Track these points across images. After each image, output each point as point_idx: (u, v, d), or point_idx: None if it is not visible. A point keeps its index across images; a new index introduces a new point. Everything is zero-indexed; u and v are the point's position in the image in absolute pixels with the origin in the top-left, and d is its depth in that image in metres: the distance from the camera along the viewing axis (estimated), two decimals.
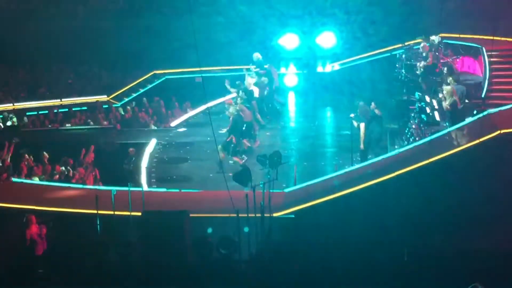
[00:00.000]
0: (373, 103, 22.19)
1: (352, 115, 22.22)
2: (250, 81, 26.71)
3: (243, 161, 22.79)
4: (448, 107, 21.76)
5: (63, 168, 22.37)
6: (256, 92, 26.51)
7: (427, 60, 25.40)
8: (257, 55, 28.15)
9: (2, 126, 28.10)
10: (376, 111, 22.15)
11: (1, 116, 28.82)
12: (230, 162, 22.96)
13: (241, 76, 27.13)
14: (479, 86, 25.53)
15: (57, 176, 21.98)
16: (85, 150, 23.38)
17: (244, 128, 23.62)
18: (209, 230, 16.24)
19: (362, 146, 21.92)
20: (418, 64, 25.71)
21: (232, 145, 23.08)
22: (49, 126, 28.95)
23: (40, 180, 21.52)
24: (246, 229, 16.17)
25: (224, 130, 24.22)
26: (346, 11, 32.58)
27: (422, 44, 26.28)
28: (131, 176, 22.41)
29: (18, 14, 33.72)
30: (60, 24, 33.15)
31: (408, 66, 26.43)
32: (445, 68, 23.84)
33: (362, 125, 21.89)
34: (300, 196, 18.48)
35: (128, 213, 16.94)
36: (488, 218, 17.14)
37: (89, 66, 34.84)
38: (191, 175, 22.74)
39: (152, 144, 25.03)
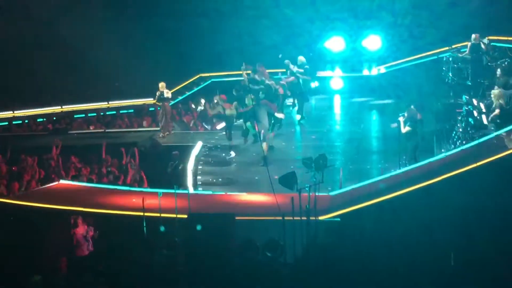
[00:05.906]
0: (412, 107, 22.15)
1: (401, 118, 22.02)
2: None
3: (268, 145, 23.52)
4: (496, 110, 21.56)
5: (108, 169, 22.56)
6: None
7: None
8: (301, 59, 28.09)
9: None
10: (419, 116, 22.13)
11: None
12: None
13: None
14: None
15: (104, 178, 22.16)
16: (125, 152, 23.51)
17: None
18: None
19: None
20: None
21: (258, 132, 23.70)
22: (95, 129, 29.15)
23: (88, 182, 21.71)
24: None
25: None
26: (393, 14, 32.45)
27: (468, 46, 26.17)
28: (174, 179, 22.46)
29: (63, 14, 33.86)
30: (107, 28, 33.35)
31: (455, 69, 26.25)
32: (498, 71, 23.61)
33: (406, 128, 21.72)
34: (346, 200, 18.42)
35: (174, 216, 17.01)
36: None
37: (135, 69, 35.00)
38: (237, 177, 22.81)
39: (198, 147, 25.09)
